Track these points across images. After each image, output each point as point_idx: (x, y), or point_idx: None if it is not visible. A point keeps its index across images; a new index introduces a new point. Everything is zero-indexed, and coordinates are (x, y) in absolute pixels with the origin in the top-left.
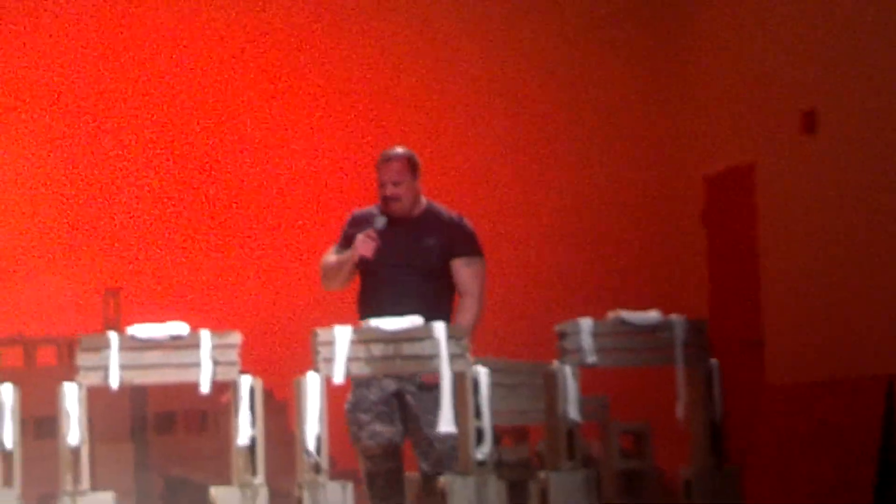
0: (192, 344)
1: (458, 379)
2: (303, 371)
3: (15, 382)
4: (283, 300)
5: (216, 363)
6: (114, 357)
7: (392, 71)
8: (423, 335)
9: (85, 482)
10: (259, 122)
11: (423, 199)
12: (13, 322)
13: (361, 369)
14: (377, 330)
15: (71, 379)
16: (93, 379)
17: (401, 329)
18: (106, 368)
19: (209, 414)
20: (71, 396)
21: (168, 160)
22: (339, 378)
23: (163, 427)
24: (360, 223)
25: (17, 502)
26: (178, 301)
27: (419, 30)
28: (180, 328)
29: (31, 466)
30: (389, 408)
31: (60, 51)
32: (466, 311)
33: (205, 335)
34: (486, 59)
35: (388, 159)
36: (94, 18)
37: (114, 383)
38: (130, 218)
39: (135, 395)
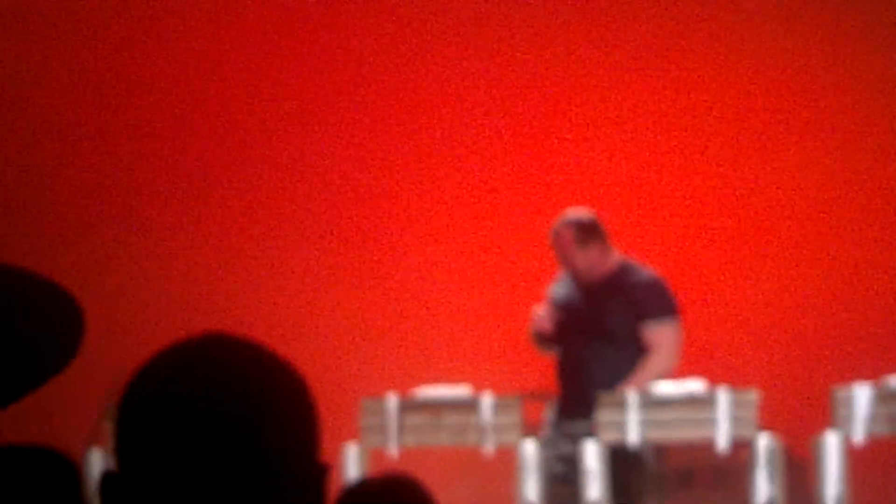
0: (708, 401)
1: None
2: (822, 429)
3: (538, 437)
4: (802, 356)
5: (733, 421)
6: (632, 414)
7: None
8: None
9: None
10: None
11: (615, 259)
12: (537, 379)
13: (882, 428)
14: None
15: (591, 435)
16: (612, 435)
17: None
18: (625, 425)
19: (729, 471)
20: (591, 453)
21: (684, 221)
22: (858, 437)
23: (682, 483)
24: (555, 287)
25: None
26: (697, 358)
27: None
28: (697, 386)
29: None
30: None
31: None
32: (642, 367)
33: (722, 393)
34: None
35: (553, 233)
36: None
37: (632, 440)
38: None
39: (653, 449)
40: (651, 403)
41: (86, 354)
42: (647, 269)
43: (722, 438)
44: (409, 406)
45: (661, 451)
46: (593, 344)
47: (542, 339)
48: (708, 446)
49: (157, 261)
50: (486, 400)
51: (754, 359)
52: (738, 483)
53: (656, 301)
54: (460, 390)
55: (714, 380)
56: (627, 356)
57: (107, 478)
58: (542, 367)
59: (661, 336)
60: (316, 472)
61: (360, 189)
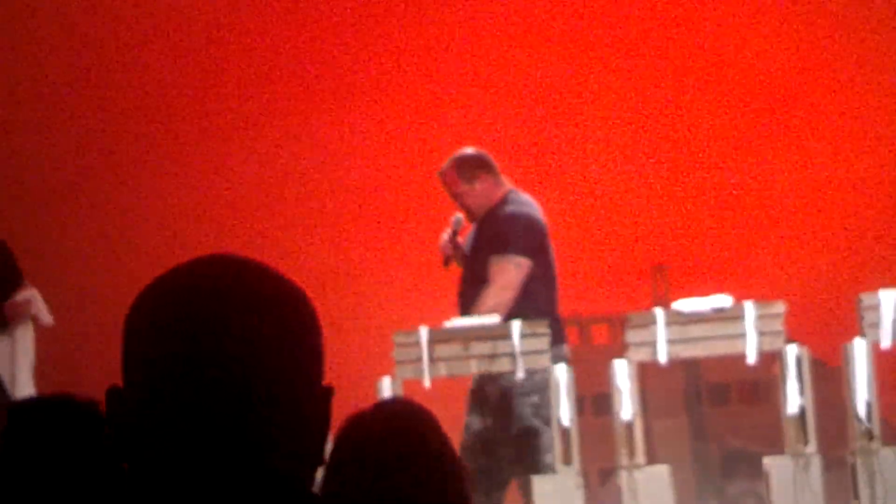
0: (736, 316)
1: None
2: (850, 337)
3: (570, 361)
4: (826, 266)
5: (761, 334)
6: (661, 332)
7: None
8: None
9: (640, 456)
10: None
11: (502, 191)
12: (569, 302)
13: None
14: None
15: (622, 355)
16: (642, 354)
17: None
18: (654, 344)
19: (762, 384)
20: (622, 373)
21: (707, 140)
22: (886, 342)
23: (717, 399)
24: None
25: (577, 478)
26: (723, 274)
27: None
28: (724, 301)
29: (591, 443)
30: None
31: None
32: (478, 302)
33: (748, 306)
34: None
35: (440, 174)
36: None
37: (661, 358)
38: (674, 196)
39: (687, 368)
40: (679, 321)
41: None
42: (514, 205)
43: (751, 351)
44: (439, 337)
45: (695, 368)
46: (471, 279)
47: (446, 264)
48: (741, 363)
49: (211, 196)
50: (516, 327)
51: (779, 271)
52: (770, 396)
53: (500, 237)
54: (489, 319)
55: (740, 294)
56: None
57: (110, 392)
58: (572, 292)
59: (493, 271)
60: (319, 392)
61: (397, 141)
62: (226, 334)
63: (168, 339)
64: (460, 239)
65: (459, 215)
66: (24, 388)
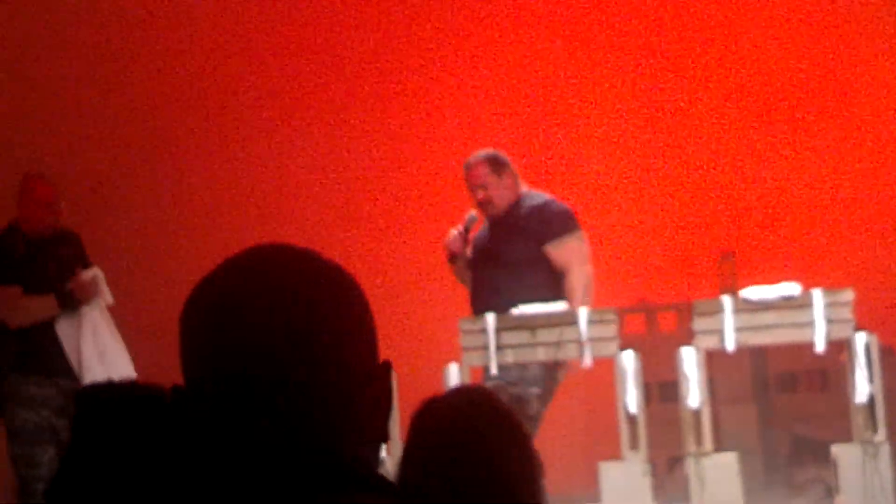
0: (804, 303)
1: None
2: None
3: (637, 349)
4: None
5: (830, 321)
6: (728, 320)
7: None
8: None
9: (707, 443)
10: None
11: (521, 191)
12: (636, 290)
13: None
14: None
15: (689, 343)
16: (709, 342)
17: None
18: (721, 331)
19: (830, 372)
20: (689, 360)
21: (775, 126)
22: None
23: (785, 386)
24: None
25: (644, 465)
26: (792, 262)
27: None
28: (792, 288)
29: (659, 430)
30: None
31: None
32: (570, 292)
33: (817, 294)
34: None
35: (469, 166)
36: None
37: (729, 345)
38: (743, 181)
39: (755, 355)
40: (746, 308)
41: None
42: (540, 196)
43: (819, 339)
44: (506, 324)
45: (762, 356)
46: (502, 272)
47: (453, 261)
48: (809, 351)
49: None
50: (583, 314)
51: (848, 259)
52: (839, 384)
53: (549, 223)
54: (556, 306)
55: (809, 282)
56: (537, 279)
57: (173, 390)
58: (639, 280)
59: (564, 253)
60: (377, 369)
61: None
62: (281, 322)
63: (225, 331)
64: (471, 236)
65: (473, 213)
66: (93, 368)
